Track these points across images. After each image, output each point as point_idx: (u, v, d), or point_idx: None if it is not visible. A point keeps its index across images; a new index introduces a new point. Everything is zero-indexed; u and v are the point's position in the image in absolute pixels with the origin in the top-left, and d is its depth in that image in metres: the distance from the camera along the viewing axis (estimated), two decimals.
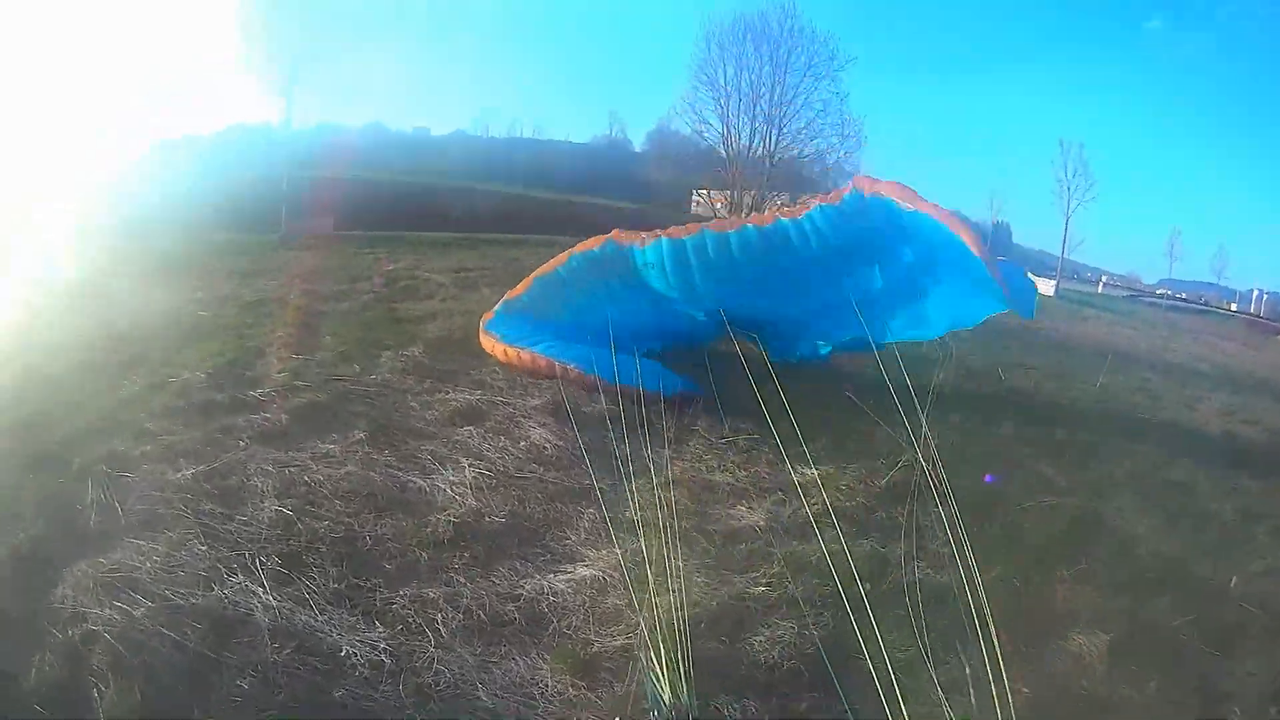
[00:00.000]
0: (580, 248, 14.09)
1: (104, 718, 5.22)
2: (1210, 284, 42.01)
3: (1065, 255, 39.23)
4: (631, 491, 8.19)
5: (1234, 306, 39.56)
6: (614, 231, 13.91)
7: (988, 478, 9.20)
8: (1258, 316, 37.74)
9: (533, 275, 14.45)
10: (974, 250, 10.66)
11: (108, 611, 6.11)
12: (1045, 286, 34.68)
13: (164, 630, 5.95)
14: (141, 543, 7.13)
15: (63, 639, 5.86)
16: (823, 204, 12.65)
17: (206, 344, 13.76)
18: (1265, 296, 39.48)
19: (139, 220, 26.12)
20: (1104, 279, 41.46)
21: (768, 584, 7.36)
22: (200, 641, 5.92)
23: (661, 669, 5.41)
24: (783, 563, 7.63)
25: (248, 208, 29.91)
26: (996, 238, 46.29)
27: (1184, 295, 40.98)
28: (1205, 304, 39.35)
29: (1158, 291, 41.20)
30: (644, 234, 13.48)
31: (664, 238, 13.11)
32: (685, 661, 5.40)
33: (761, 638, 6.55)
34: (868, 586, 7.01)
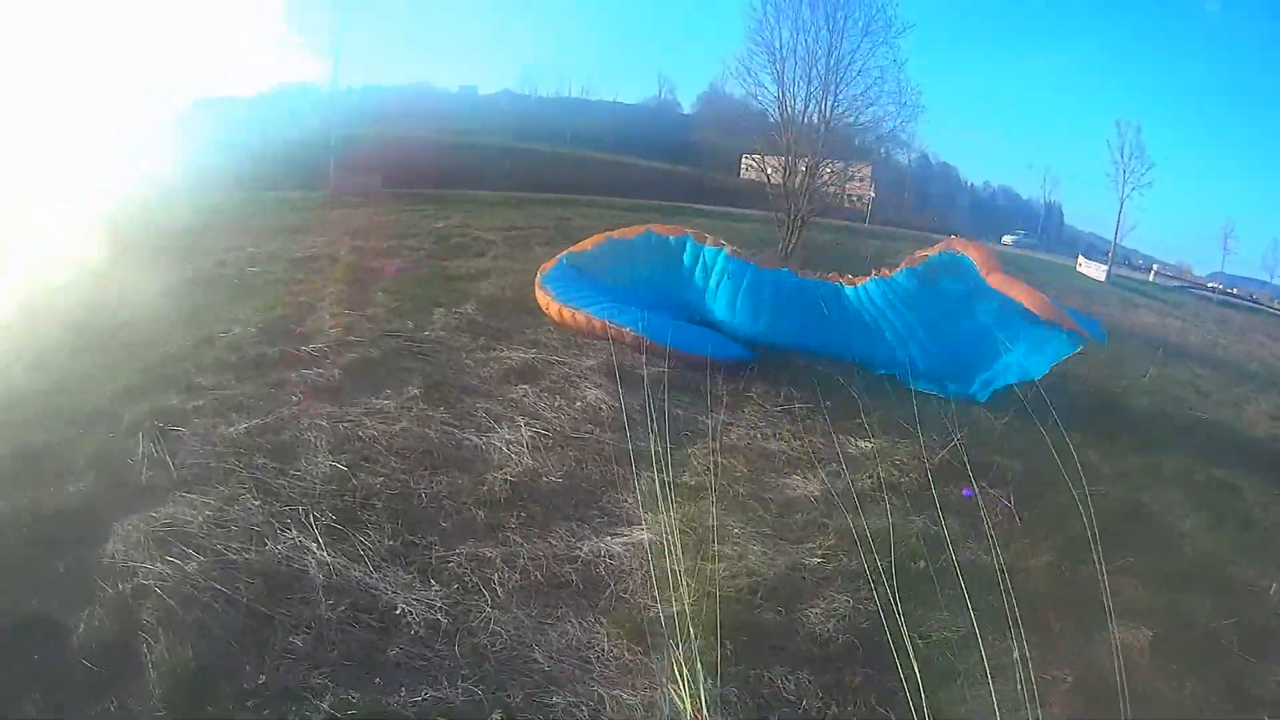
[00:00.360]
0: (658, 228, 14.71)
1: (153, 672, 5.09)
2: (1263, 281, 41.16)
3: (1117, 240, 38.44)
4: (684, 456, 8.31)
5: None
6: (692, 230, 14.59)
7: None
8: None
9: (604, 235, 14.89)
10: (1044, 316, 11.22)
11: (159, 566, 5.98)
12: (1096, 272, 34.08)
13: (216, 585, 5.82)
14: (193, 497, 7.01)
15: (113, 593, 5.74)
16: (877, 276, 13.22)
17: (256, 299, 13.77)
18: None
19: (187, 177, 26.17)
20: (1155, 267, 40.60)
21: (823, 556, 7.21)
22: (253, 597, 5.80)
23: (683, 681, 5.20)
24: (838, 535, 7.47)
25: (295, 165, 29.95)
26: (1048, 218, 45.68)
27: (1235, 290, 40.16)
28: (1256, 302, 38.47)
29: (1209, 284, 40.35)
30: (727, 243, 14.16)
31: (753, 263, 13.70)
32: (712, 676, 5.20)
33: (817, 610, 6.41)
34: (921, 564, 7.07)
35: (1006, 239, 40.42)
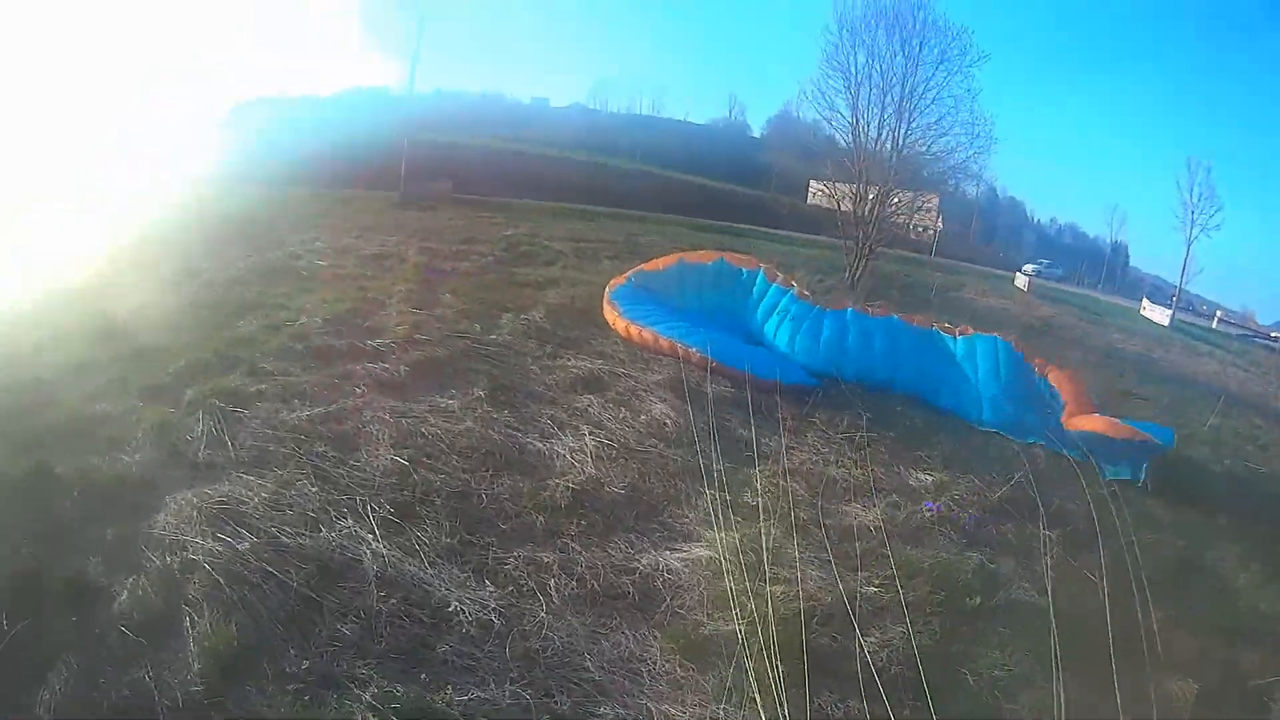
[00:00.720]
0: (731, 257, 15.02)
1: (194, 646, 5.06)
2: None
3: (1183, 285, 37.65)
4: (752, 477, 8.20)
5: None
6: (765, 265, 14.79)
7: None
8: None
9: (677, 256, 15.08)
10: (1119, 437, 11.12)
11: (210, 543, 5.97)
12: (1160, 316, 33.40)
13: (267, 567, 5.79)
14: (250, 478, 7.00)
15: (160, 565, 5.73)
16: (1002, 339, 13.09)
17: (324, 292, 13.78)
18: None
19: (264, 172, 26.56)
20: (1219, 314, 39.76)
21: (880, 585, 7.03)
22: (303, 582, 5.76)
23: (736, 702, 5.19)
24: (895, 566, 7.25)
25: (368, 167, 30.19)
26: (1114, 259, 44.93)
27: None
28: None
29: (1272, 335, 39.56)
30: (797, 284, 14.38)
31: (819, 308, 13.70)
32: None
33: (872, 639, 6.26)
34: (977, 600, 6.97)
35: (1028, 268, 39.65)
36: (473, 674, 5.25)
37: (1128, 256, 45.46)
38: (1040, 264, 40.72)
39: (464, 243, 20.80)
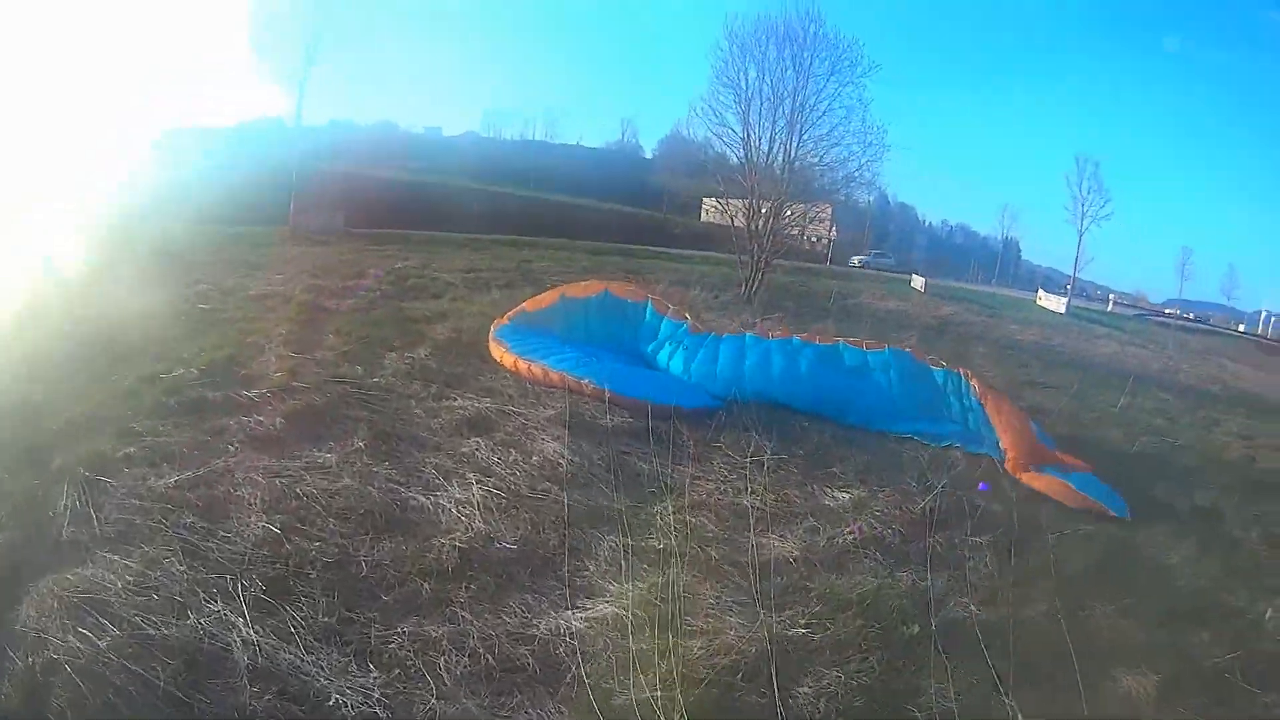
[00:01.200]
0: (616, 288, 14.80)
1: None
2: (1218, 305, 41.69)
3: (1076, 273, 38.74)
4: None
5: (1242, 327, 39.05)
6: (653, 298, 14.59)
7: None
8: (1264, 338, 37.43)
9: (558, 292, 14.69)
10: (1074, 505, 10.52)
11: (71, 639, 5.49)
12: (1056, 304, 34.37)
13: (130, 665, 5.31)
14: (115, 558, 6.51)
15: (22, 666, 5.26)
16: (898, 349, 13.18)
17: (204, 338, 13.20)
18: (1273, 318, 39.16)
19: (145, 211, 25.76)
20: (1113, 297, 41.05)
21: (807, 625, 6.73)
22: (171, 680, 5.28)
23: None
24: (821, 600, 7.07)
25: (257, 201, 29.54)
26: (1006, 254, 45.91)
27: (1192, 315, 40.77)
28: (1213, 325, 39.06)
29: (1166, 311, 40.86)
30: (689, 317, 14.28)
31: (714, 334, 13.69)
32: None
33: (806, 689, 5.92)
34: (915, 629, 6.72)
35: (856, 259, 40.39)
36: None
37: (1019, 251, 46.67)
38: (869, 254, 41.50)
39: (353, 278, 20.27)
